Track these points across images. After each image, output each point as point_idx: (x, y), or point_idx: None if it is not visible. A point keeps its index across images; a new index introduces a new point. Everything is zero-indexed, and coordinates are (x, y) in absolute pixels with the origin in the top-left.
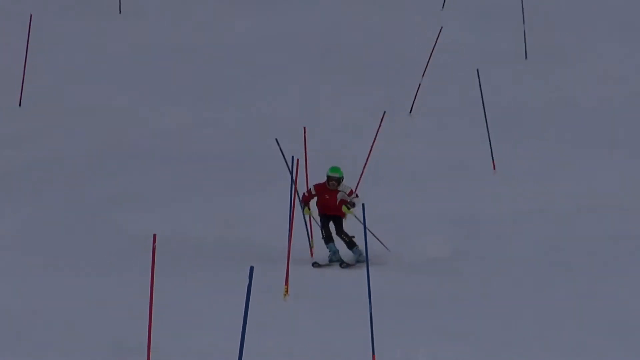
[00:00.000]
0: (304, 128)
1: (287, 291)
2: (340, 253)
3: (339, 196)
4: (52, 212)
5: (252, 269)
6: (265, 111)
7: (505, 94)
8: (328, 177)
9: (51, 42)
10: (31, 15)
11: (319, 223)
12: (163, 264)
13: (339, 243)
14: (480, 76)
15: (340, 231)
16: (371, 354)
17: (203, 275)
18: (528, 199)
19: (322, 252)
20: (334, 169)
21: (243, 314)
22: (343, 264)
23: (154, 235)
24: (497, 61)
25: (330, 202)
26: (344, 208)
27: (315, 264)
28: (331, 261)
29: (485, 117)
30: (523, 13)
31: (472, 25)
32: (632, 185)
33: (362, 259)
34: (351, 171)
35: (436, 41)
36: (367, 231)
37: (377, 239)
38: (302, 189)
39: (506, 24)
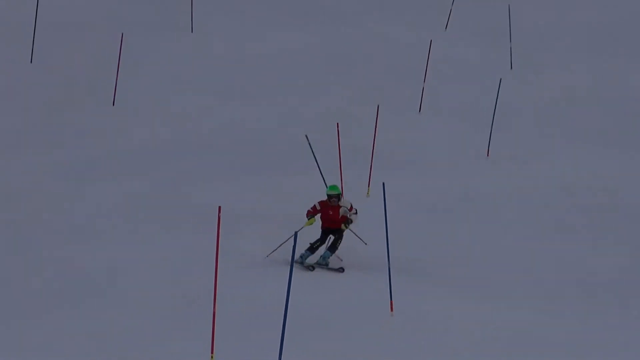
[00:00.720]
0: (337, 124)
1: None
2: (310, 258)
3: (341, 211)
4: (141, 187)
5: (296, 234)
6: (303, 109)
7: (494, 97)
8: (328, 195)
9: (138, 53)
10: (122, 34)
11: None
12: (225, 229)
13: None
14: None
15: (339, 239)
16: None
17: (257, 238)
18: (515, 178)
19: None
20: (333, 187)
21: (289, 268)
22: (310, 268)
23: (219, 207)
24: (487, 69)
25: (334, 217)
26: (343, 225)
27: (311, 267)
28: (298, 262)
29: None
30: (510, 33)
31: (469, 41)
32: (602, 169)
33: (323, 262)
34: (367, 156)
35: (427, 52)
36: (352, 233)
37: (358, 237)
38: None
39: (496, 40)
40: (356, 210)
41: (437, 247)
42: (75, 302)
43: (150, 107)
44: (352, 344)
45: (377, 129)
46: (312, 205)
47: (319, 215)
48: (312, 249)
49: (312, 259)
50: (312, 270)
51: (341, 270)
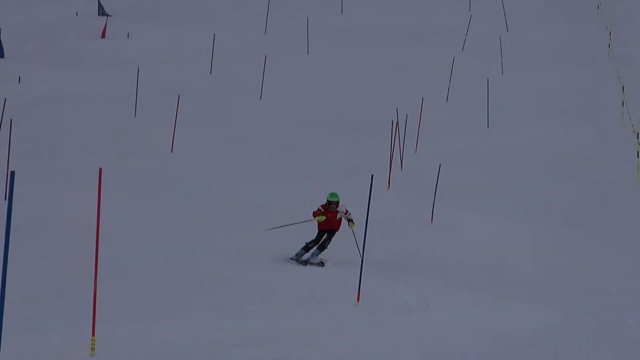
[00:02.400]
0: (394, 122)
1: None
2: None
3: (339, 215)
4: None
5: (372, 176)
6: (369, 105)
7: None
8: (329, 201)
9: (273, 68)
10: (265, 56)
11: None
12: None
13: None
14: (487, 85)
15: (328, 240)
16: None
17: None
18: (515, 150)
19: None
20: (333, 194)
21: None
22: (305, 264)
23: None
24: (494, 79)
25: (332, 220)
26: (350, 224)
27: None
28: (293, 258)
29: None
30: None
31: (480, 61)
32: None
33: (312, 259)
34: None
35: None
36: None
37: (357, 243)
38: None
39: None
40: (350, 213)
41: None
42: None
43: (278, 103)
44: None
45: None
46: (316, 208)
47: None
48: (307, 248)
49: (305, 256)
50: (304, 265)
51: (321, 264)
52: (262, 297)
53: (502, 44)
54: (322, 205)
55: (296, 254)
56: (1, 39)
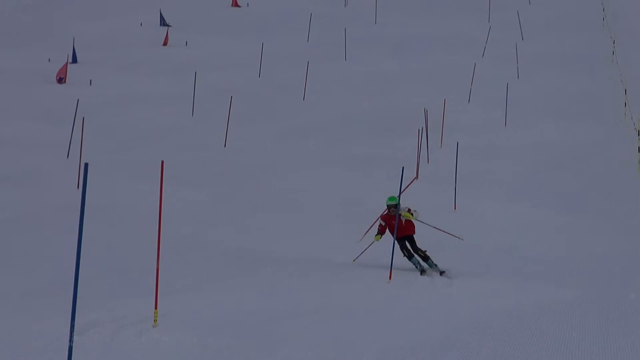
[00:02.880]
0: (422, 121)
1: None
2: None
3: (404, 218)
4: None
5: (403, 168)
6: (399, 105)
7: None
8: (388, 206)
9: (314, 73)
10: (308, 62)
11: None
12: None
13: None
14: (505, 87)
15: (415, 248)
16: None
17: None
18: (530, 145)
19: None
20: (391, 198)
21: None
22: (423, 273)
23: None
24: (511, 82)
25: (399, 225)
26: (404, 214)
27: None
28: (423, 271)
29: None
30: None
31: (498, 66)
32: None
33: (436, 269)
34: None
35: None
36: (437, 229)
37: (447, 232)
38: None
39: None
40: (416, 211)
41: None
42: None
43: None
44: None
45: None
46: (378, 223)
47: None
48: (410, 255)
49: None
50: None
51: (442, 272)
52: (305, 274)
53: (517, 51)
54: (382, 217)
55: (415, 263)
56: (75, 47)
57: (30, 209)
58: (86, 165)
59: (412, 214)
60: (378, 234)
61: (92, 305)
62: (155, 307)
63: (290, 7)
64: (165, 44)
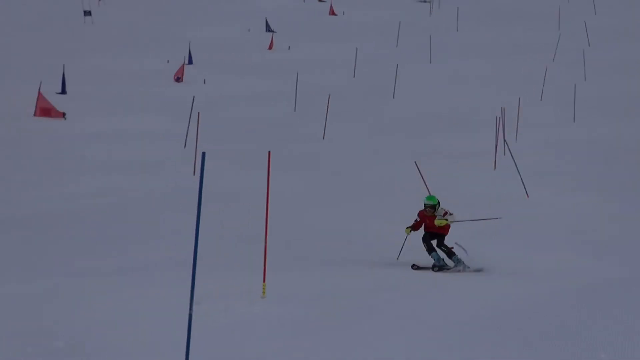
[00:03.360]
0: (498, 117)
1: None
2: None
3: (436, 222)
4: None
5: (415, 162)
6: (479, 103)
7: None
8: (425, 205)
9: (403, 74)
10: (397, 65)
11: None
12: None
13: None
14: (573, 88)
15: (441, 243)
16: None
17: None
18: (596, 139)
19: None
20: (430, 197)
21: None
22: (435, 268)
23: None
24: (578, 83)
25: (430, 224)
26: (436, 221)
27: (414, 266)
28: (434, 267)
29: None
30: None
31: (567, 69)
32: None
33: (459, 267)
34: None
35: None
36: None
37: (484, 219)
38: None
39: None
40: (451, 213)
41: None
42: None
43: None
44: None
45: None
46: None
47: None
48: (431, 249)
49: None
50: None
51: (467, 268)
52: (394, 252)
53: (585, 56)
54: (419, 212)
55: (436, 259)
56: (190, 50)
57: (151, 192)
58: (203, 153)
59: (447, 219)
60: (410, 227)
61: (207, 278)
62: (264, 281)
63: (381, 16)
64: (270, 48)
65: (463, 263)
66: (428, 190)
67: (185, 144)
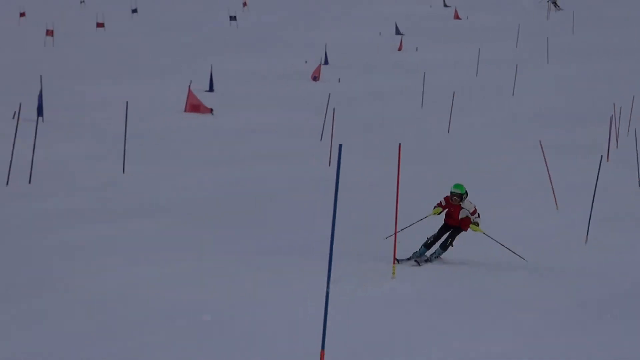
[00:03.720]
0: (612, 113)
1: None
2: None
3: (461, 213)
4: None
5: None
6: (593, 100)
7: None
8: (451, 192)
9: (522, 73)
10: (517, 65)
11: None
12: None
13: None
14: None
15: (452, 238)
16: None
17: None
18: None
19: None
20: (457, 185)
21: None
22: (413, 261)
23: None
24: None
25: (453, 214)
26: (472, 227)
27: (398, 262)
28: (411, 258)
29: None
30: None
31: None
32: None
33: (433, 258)
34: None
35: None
36: (500, 244)
37: (510, 250)
38: None
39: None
40: (479, 214)
41: None
42: None
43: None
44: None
45: None
46: (439, 200)
47: (444, 211)
48: (427, 245)
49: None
50: (419, 266)
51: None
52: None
53: None
54: (445, 197)
55: (414, 253)
56: (326, 52)
57: (289, 182)
58: (340, 145)
59: (480, 229)
60: (436, 208)
61: (340, 262)
62: (394, 263)
63: (502, 20)
64: (399, 49)
65: (439, 256)
66: (550, 177)
67: (321, 137)
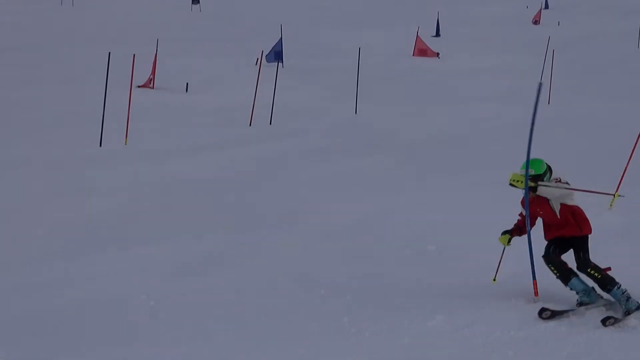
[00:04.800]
0: None
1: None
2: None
3: (553, 204)
4: None
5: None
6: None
7: None
8: (515, 181)
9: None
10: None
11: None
12: None
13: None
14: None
15: (584, 263)
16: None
17: None
18: None
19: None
20: (533, 162)
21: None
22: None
23: None
24: None
25: (548, 217)
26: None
27: (546, 313)
28: (582, 304)
29: None
30: None
31: None
32: None
33: (631, 307)
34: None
35: None
36: None
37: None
38: None
39: None
40: (566, 182)
41: None
42: None
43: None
44: None
45: None
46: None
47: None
48: (569, 273)
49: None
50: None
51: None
52: None
53: None
54: (521, 202)
55: (582, 292)
56: (439, 22)
57: (512, 121)
58: (539, 84)
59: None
60: (507, 233)
61: None
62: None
63: None
64: (536, 22)
65: (636, 302)
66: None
67: (541, 78)
